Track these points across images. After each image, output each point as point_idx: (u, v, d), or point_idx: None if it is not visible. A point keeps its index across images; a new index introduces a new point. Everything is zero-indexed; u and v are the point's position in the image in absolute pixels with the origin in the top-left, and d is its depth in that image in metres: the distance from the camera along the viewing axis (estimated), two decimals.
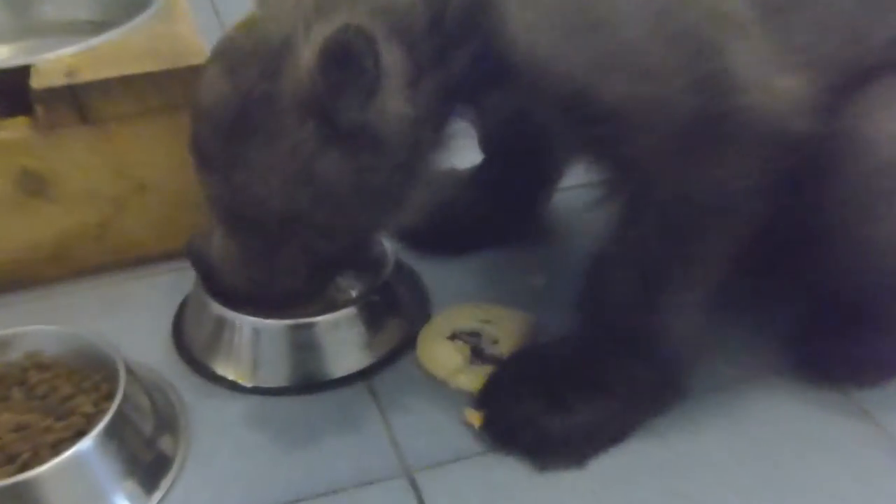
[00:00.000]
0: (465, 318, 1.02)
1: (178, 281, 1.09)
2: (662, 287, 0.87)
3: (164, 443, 0.90)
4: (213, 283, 0.93)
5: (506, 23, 0.78)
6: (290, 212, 0.83)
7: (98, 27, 1.18)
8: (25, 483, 0.80)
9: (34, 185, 1.06)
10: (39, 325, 0.96)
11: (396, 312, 1.02)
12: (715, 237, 0.85)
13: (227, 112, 0.81)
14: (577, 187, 1.12)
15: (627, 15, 0.77)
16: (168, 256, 1.13)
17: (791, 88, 0.79)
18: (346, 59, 0.76)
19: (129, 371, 0.90)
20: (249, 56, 0.81)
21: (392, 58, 0.79)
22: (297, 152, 0.80)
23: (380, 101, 0.79)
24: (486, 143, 1.10)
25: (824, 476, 0.86)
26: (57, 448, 0.84)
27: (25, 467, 0.82)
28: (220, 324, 0.99)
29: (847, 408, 0.93)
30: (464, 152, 0.92)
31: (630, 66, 0.78)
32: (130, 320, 1.06)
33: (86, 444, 0.83)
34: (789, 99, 0.79)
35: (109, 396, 0.88)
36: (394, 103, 0.80)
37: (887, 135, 0.83)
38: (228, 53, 0.83)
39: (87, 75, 1.04)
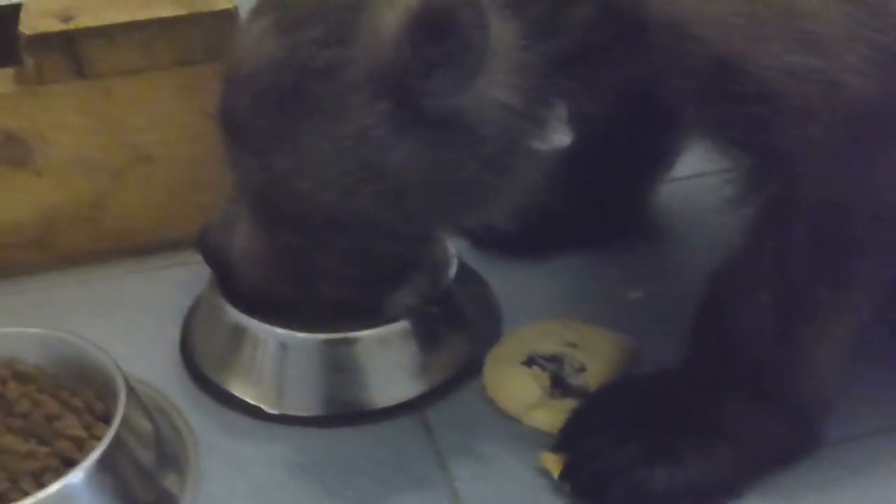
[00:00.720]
0: (545, 338, 1.02)
1: (189, 277, 1.11)
2: (805, 315, 0.86)
3: (169, 480, 0.91)
4: (233, 286, 0.95)
5: None
6: (344, 210, 0.83)
7: None
8: None
9: (16, 152, 1.08)
10: (19, 327, 0.97)
11: (459, 329, 1.03)
12: (877, 257, 0.84)
13: (278, 81, 0.81)
14: (694, 177, 1.13)
15: None
16: (176, 245, 1.15)
17: None
18: (447, 32, 0.74)
19: (130, 388, 0.90)
20: (312, 11, 0.81)
21: (501, 32, 0.78)
22: (364, 139, 0.80)
23: (480, 85, 0.78)
24: (580, 119, 1.09)
25: None
26: (40, 479, 0.85)
27: (2, 500, 0.83)
28: (239, 335, 1.00)
29: None
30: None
31: (794, 31, 0.77)
32: (129, 324, 1.07)
33: (76, 476, 0.83)
34: None
35: (104, 418, 0.89)
36: (496, 90, 0.80)
37: None
38: (285, 7, 0.83)
39: (87, 19, 1.05)
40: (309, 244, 0.88)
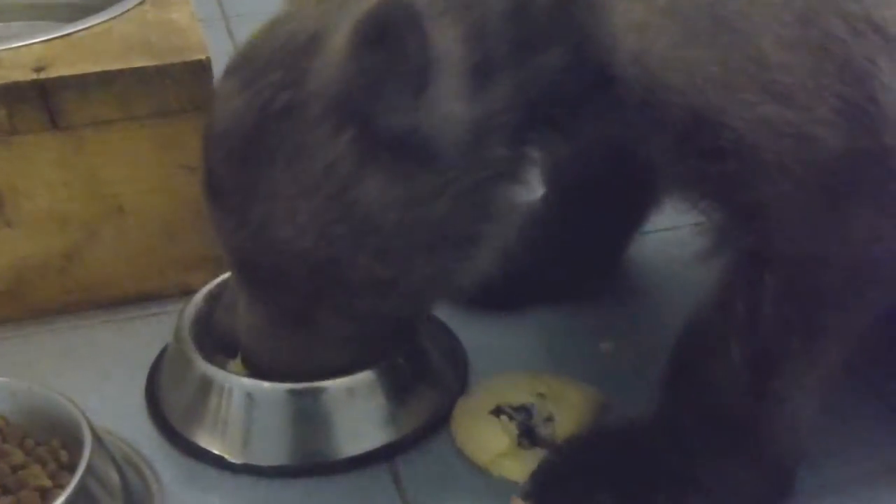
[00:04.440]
0: (514, 389, 1.01)
1: (160, 329, 1.10)
2: (777, 367, 0.86)
3: None
4: (248, 363, 0.96)
5: (607, 19, 0.79)
6: (321, 257, 0.82)
7: (77, 11, 1.21)
8: None
9: None
10: None
11: (427, 380, 1.03)
12: (847, 309, 0.85)
13: (244, 130, 0.82)
14: (665, 230, 1.13)
15: (759, 18, 0.77)
16: (147, 297, 1.15)
17: None
18: (384, 39, 0.75)
19: (96, 438, 0.90)
20: (268, 62, 0.82)
21: (447, 40, 0.79)
22: (330, 174, 0.80)
23: (431, 98, 0.78)
24: (553, 173, 1.10)
25: None
26: None
27: None
28: (206, 385, 0.99)
29: None
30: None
31: (765, 82, 0.77)
32: (99, 375, 1.06)
33: None
34: None
35: (70, 468, 0.88)
36: (449, 101, 0.79)
37: None
38: (244, 64, 0.84)
39: (61, 70, 1.06)
40: (296, 306, 0.87)
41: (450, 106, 0.80)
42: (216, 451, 0.98)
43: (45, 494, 0.87)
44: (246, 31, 0.88)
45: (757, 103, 0.77)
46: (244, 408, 0.97)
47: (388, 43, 0.75)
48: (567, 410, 0.99)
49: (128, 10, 1.16)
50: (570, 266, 1.14)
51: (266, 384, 0.97)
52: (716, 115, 0.78)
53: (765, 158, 0.79)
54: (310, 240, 0.82)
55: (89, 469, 0.86)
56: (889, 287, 0.84)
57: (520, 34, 0.81)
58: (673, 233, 1.12)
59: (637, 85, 0.79)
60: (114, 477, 0.91)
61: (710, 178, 0.83)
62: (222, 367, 1.00)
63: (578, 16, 0.80)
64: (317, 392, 0.97)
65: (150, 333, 1.11)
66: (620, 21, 0.79)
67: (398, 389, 0.99)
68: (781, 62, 0.77)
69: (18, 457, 0.90)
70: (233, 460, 0.97)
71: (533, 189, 0.99)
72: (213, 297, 1.05)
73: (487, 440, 0.97)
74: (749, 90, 0.77)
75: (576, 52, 0.81)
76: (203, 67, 1.07)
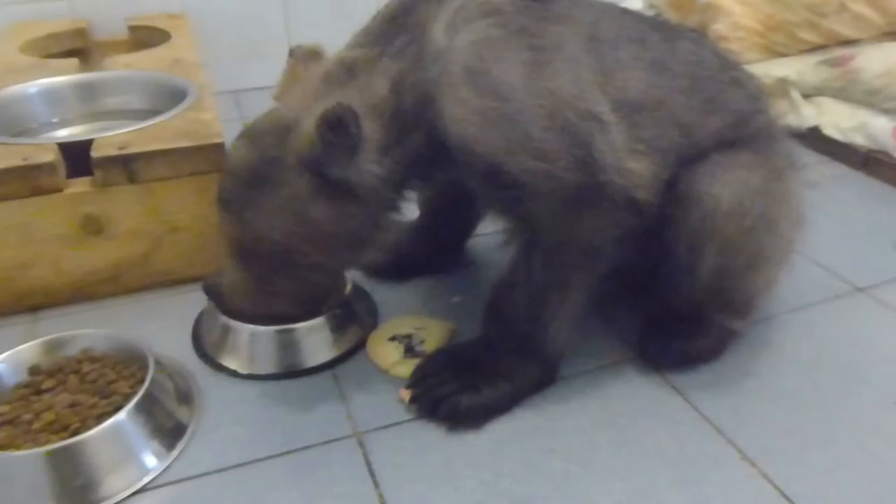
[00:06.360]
0: (402, 325, 0.99)
1: (199, 298, 1.03)
2: (545, 305, 0.84)
3: (182, 413, 0.85)
4: (223, 307, 0.89)
5: (442, 116, 0.77)
6: (285, 245, 0.78)
7: (147, 114, 1.15)
8: (75, 445, 0.76)
9: (94, 227, 1.02)
10: (93, 329, 0.91)
11: (354, 321, 0.99)
12: (584, 271, 0.83)
13: (246, 168, 0.78)
14: (485, 234, 1.11)
15: (527, 113, 0.76)
16: (192, 280, 1.09)
17: (637, 169, 0.79)
18: (337, 125, 0.73)
19: (158, 362, 0.85)
20: (267, 131, 0.78)
21: (369, 129, 0.76)
22: (295, 198, 0.76)
23: (359, 161, 0.76)
24: (424, 202, 1.07)
25: (649, 434, 0.85)
26: (101, 419, 0.80)
27: (76, 433, 0.78)
28: (226, 329, 0.95)
29: (665, 386, 0.91)
30: (407, 208, 0.89)
31: (529, 149, 0.76)
32: (163, 326, 1.01)
33: (121, 416, 0.79)
34: (635, 177, 0.79)
35: (143, 381, 0.83)
36: (368, 164, 0.77)
37: (708, 194, 0.82)
38: (253, 131, 0.80)
39: (136, 148, 1.01)
40: (269, 272, 0.82)
41: (368, 167, 0.77)
42: (232, 367, 0.93)
43: (127, 398, 0.82)
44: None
45: (526, 160, 0.76)
46: (249, 341, 0.93)
47: (338, 129, 0.73)
48: (433, 336, 0.96)
49: (177, 114, 1.11)
50: (434, 253, 1.11)
51: (262, 328, 0.92)
52: (502, 167, 0.77)
53: (532, 189, 0.77)
54: (278, 235, 0.78)
55: (152, 382, 0.83)
56: (608, 258, 0.82)
57: (399, 126, 0.79)
58: (491, 235, 1.09)
59: (460, 152, 0.78)
60: (169, 384, 0.86)
61: (502, 200, 0.82)
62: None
63: (427, 115, 0.78)
64: (291, 330, 0.93)
65: (193, 301, 1.05)
66: (449, 118, 0.77)
67: (337, 327, 0.96)
68: (539, 138, 0.76)
69: (112, 375, 0.86)
70: (242, 371, 0.93)
71: (412, 211, 0.98)
72: None
73: (387, 355, 0.94)
74: (521, 153, 0.76)
75: (427, 135, 0.79)
76: (220, 147, 1.02)
